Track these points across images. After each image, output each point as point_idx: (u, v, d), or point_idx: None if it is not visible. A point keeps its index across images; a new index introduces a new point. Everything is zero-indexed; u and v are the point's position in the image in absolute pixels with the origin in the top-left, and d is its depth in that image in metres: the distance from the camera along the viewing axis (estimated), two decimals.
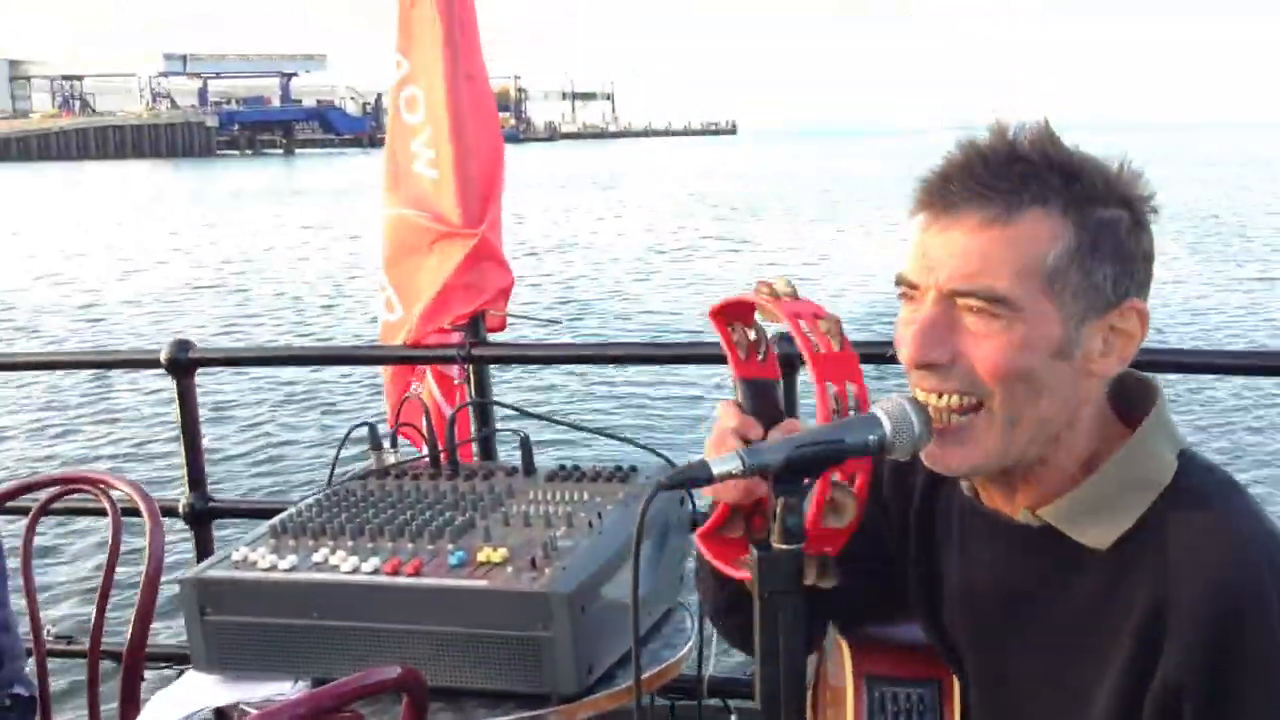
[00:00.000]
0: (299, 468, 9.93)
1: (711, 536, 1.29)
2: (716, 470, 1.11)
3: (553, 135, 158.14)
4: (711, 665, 2.40)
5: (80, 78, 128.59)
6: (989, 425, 1.21)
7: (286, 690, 1.82)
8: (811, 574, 1.12)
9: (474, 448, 2.59)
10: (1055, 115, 1.28)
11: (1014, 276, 1.17)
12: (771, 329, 1.33)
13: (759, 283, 1.25)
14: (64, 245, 29.75)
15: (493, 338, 2.70)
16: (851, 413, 1.19)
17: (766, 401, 1.31)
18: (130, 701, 2.42)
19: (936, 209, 1.21)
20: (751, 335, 1.33)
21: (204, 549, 2.91)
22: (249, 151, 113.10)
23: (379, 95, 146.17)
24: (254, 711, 1.78)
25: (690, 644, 2.02)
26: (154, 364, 2.84)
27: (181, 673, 3.00)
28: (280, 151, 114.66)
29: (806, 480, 1.13)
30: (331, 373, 12.45)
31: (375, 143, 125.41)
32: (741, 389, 1.31)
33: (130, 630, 2.41)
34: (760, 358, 1.32)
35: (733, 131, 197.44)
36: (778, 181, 56.16)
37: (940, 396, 1.21)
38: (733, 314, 1.32)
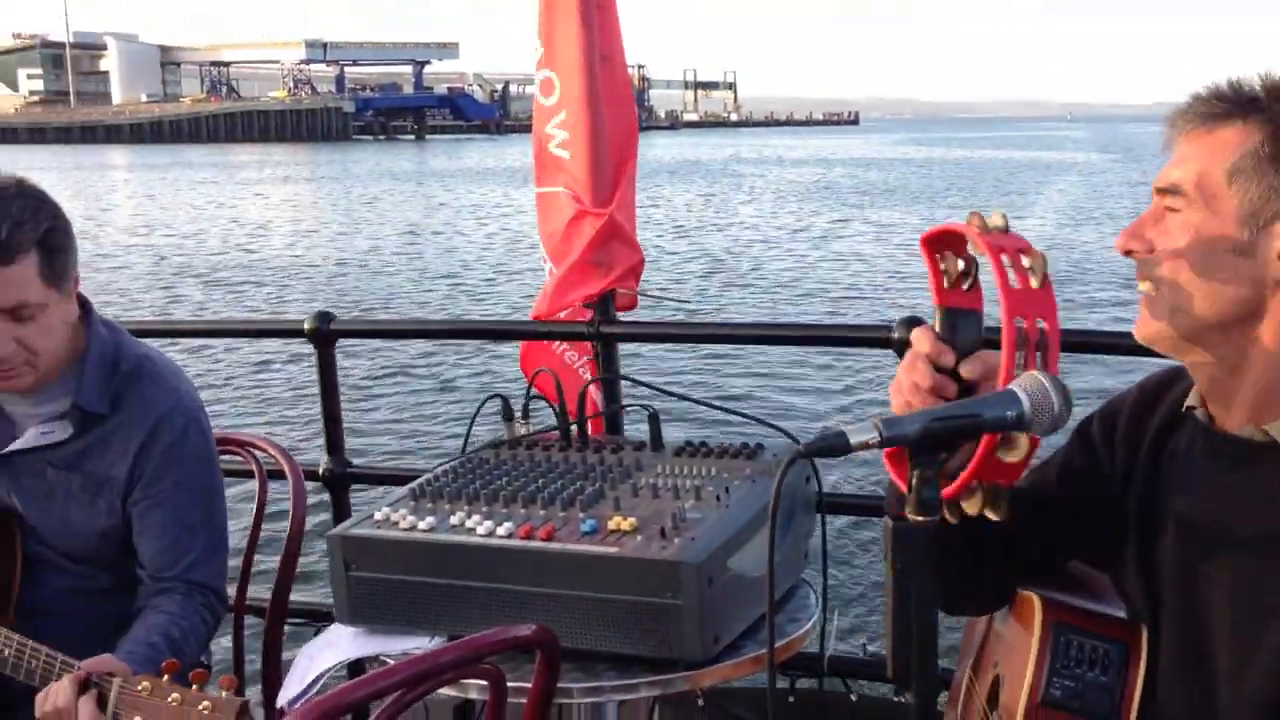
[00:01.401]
0: (431, 437, 10.22)
1: (897, 456, 1.31)
2: (854, 440, 1.14)
3: (674, 124, 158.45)
4: (831, 644, 2.43)
5: (227, 64, 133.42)
6: (1160, 306, 1.35)
7: (423, 645, 1.90)
8: (976, 503, 1.14)
9: (602, 422, 2.65)
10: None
11: (1198, 173, 1.32)
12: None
13: (971, 214, 1.28)
14: (229, 218, 31.44)
15: (622, 316, 2.76)
16: (1038, 354, 1.23)
17: (965, 331, 1.34)
18: (272, 653, 2.53)
19: (1172, 130, 1.38)
20: (960, 265, 1.34)
21: (340, 512, 3.02)
22: (381, 137, 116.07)
23: (506, 83, 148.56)
24: (392, 662, 1.86)
25: (813, 620, 2.05)
26: (298, 334, 2.96)
27: (317, 630, 3.15)
28: (412, 137, 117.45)
29: (943, 455, 1.14)
30: (467, 346, 12.82)
31: (501, 129, 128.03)
32: (940, 317, 1.34)
33: (273, 586, 2.53)
34: (965, 288, 1.35)
35: (855, 122, 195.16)
36: (907, 169, 55.55)
37: (1141, 283, 1.38)
38: (944, 243, 1.34)
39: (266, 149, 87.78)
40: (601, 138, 2.66)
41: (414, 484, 2.10)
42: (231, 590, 2.53)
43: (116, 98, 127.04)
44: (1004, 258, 1.23)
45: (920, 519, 1.13)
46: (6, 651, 1.90)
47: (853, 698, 2.78)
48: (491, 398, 2.36)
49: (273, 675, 2.52)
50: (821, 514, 2.16)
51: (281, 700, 1.92)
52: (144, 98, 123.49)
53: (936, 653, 1.20)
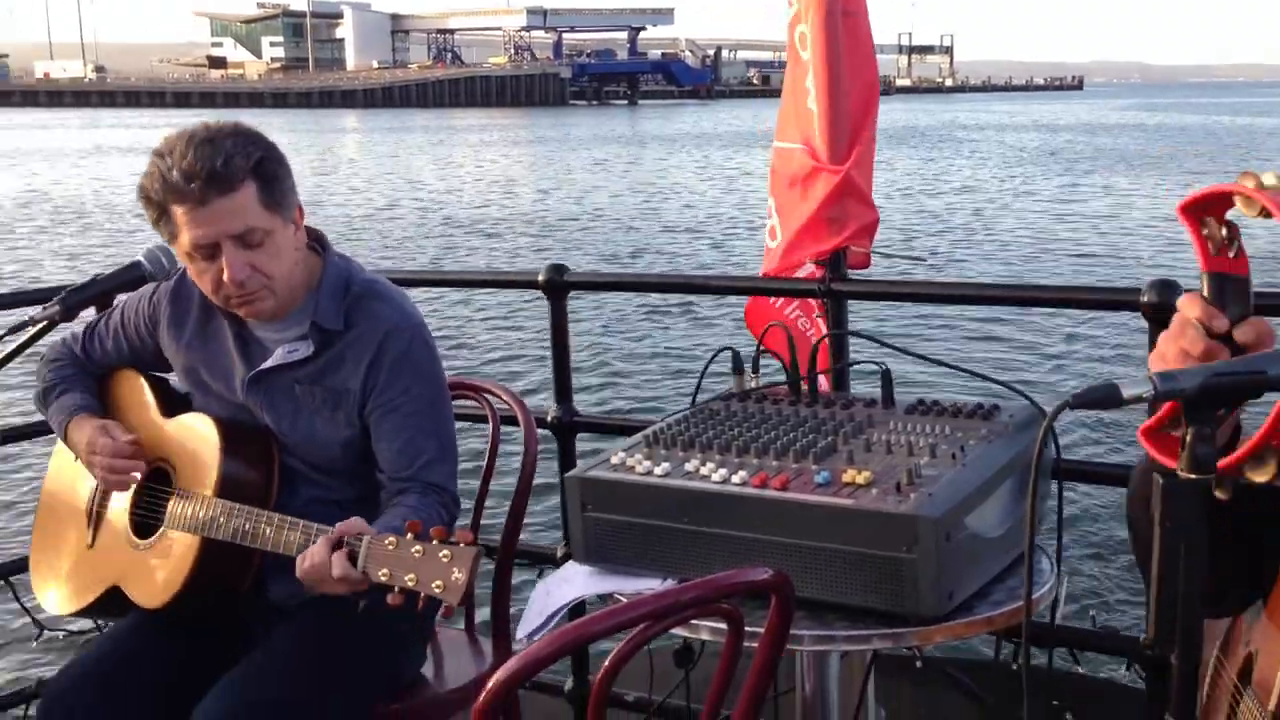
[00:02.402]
0: (656, 388, 10.43)
1: (1154, 434, 1.28)
2: (1126, 393, 1.11)
3: (888, 89, 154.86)
4: (1060, 613, 2.36)
5: (452, 31, 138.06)
6: None
7: (655, 586, 1.94)
8: (1270, 470, 1.10)
9: (829, 379, 2.64)
10: None
11: None
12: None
13: (1243, 174, 1.23)
14: (465, 175, 33.07)
15: (853, 274, 2.74)
16: None
17: (1235, 297, 1.29)
18: (502, 590, 2.65)
19: None
20: (1223, 231, 1.30)
21: (567, 458, 3.11)
22: (594, 102, 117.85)
23: (718, 48, 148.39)
24: (625, 600, 1.92)
25: (1046, 587, 2.00)
26: (532, 285, 3.05)
27: (541, 571, 3.27)
28: (624, 102, 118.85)
29: (1221, 411, 1.10)
30: (693, 301, 13.01)
31: (712, 95, 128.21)
32: (1209, 283, 1.30)
33: (504, 527, 2.63)
34: (1231, 254, 1.30)
35: (1079, 87, 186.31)
36: (1139, 135, 53.00)
37: None
38: (1205, 208, 1.30)
39: (487, 113, 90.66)
40: (840, 93, 2.64)
41: (648, 431, 2.15)
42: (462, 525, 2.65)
43: (350, 64, 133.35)
44: None
45: (1193, 476, 1.09)
46: (268, 529, 2.08)
47: (1080, 670, 2.71)
48: (722, 350, 2.38)
49: (502, 610, 2.63)
50: (1059, 479, 2.10)
51: (521, 632, 2.01)
52: (375, 64, 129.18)
53: (1201, 615, 1.17)
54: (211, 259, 2.10)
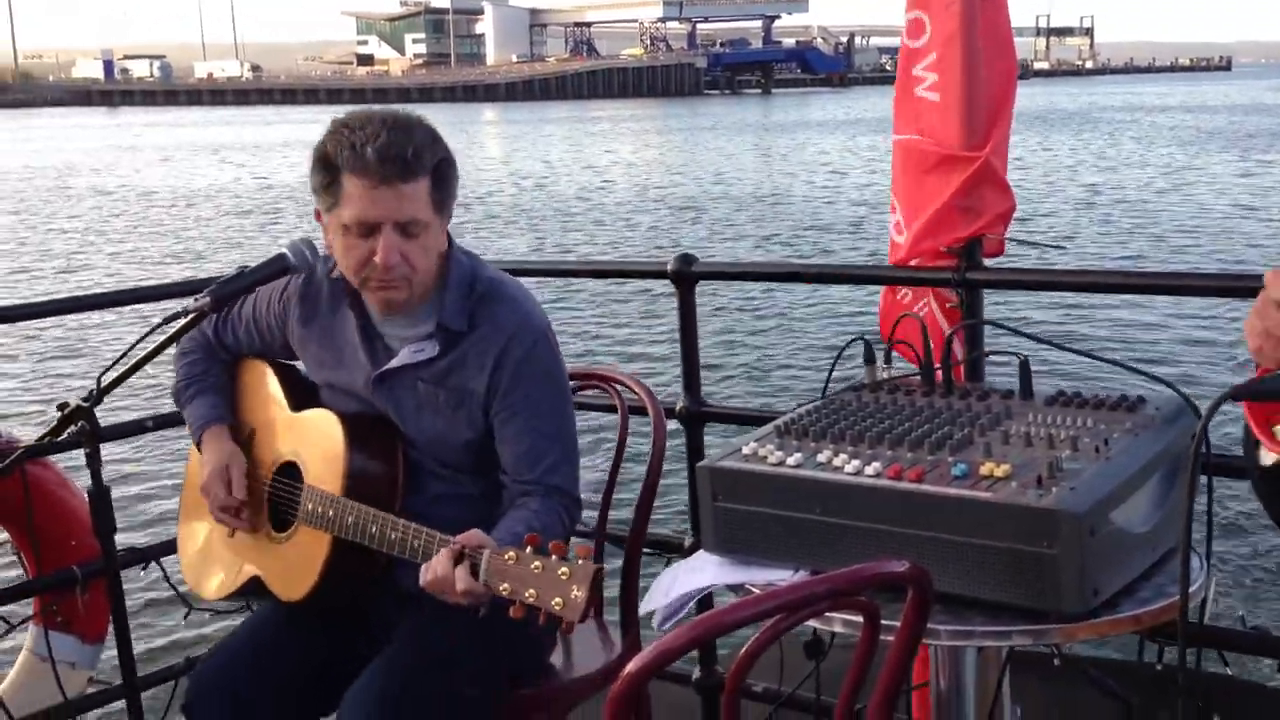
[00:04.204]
0: (785, 378, 10.38)
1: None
2: None
3: (1025, 72, 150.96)
4: (1208, 612, 2.27)
5: (589, 24, 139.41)
6: None
7: (786, 577, 1.93)
8: None
9: (963, 371, 2.58)
10: None
11: None
12: None
13: None
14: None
15: (989, 262, 2.67)
16: None
17: None
18: (631, 582, 2.65)
19: None
20: None
21: (694, 449, 3.11)
22: (727, 91, 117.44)
23: (851, 35, 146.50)
24: (757, 591, 1.91)
25: (1197, 585, 1.92)
26: (660, 275, 3.05)
27: (668, 560, 3.27)
28: (758, 91, 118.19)
29: None
30: (823, 291, 12.90)
31: (845, 82, 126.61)
32: None
33: (633, 518, 2.64)
34: None
35: (1226, 67, 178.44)
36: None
37: None
38: None
39: (623, 104, 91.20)
40: (977, 79, 2.56)
41: (778, 421, 2.13)
42: (592, 522, 2.67)
43: (490, 59, 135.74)
44: None
45: None
46: (394, 534, 2.12)
47: (1229, 671, 2.60)
48: (855, 340, 2.35)
49: (631, 600, 2.64)
50: (1209, 475, 2.02)
51: (644, 610, 2.01)
52: (514, 58, 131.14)
53: None
54: (366, 237, 2.14)
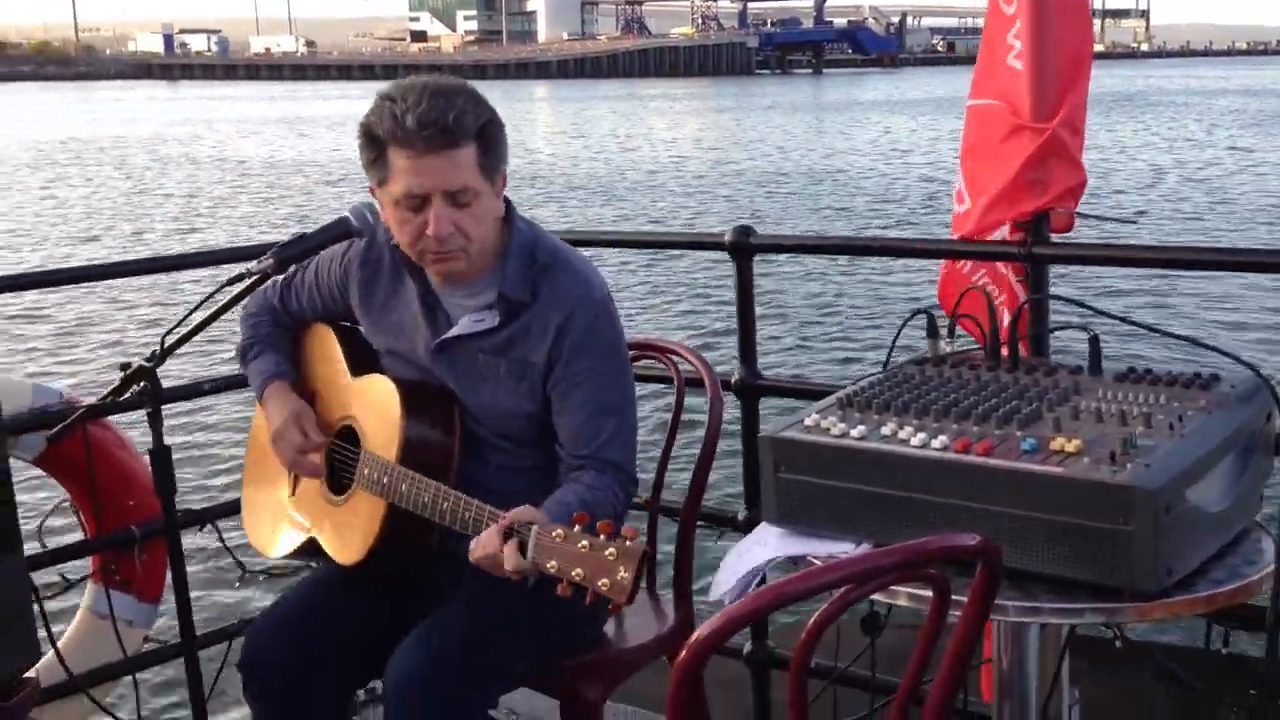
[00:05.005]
0: (843, 351, 10.30)
1: None
2: None
3: None
4: None
5: (640, 2, 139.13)
6: None
7: (849, 549, 1.90)
8: None
9: (1028, 346, 2.54)
10: None
11: None
12: None
13: None
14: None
15: (1056, 238, 2.61)
16: None
17: None
18: (685, 553, 2.64)
19: None
20: None
21: (750, 421, 3.08)
22: (778, 71, 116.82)
23: (903, 15, 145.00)
24: (820, 564, 1.89)
25: (1266, 570, 1.87)
26: (719, 246, 3.02)
27: (720, 534, 3.26)
28: (809, 71, 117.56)
29: None
30: (883, 265, 12.76)
31: (896, 63, 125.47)
32: None
33: (688, 490, 2.62)
34: None
35: None
36: None
37: None
38: None
39: (673, 83, 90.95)
40: (1047, 48, 2.50)
41: (840, 393, 2.10)
42: (647, 493, 2.66)
43: (541, 36, 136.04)
44: None
45: None
46: (445, 505, 2.11)
47: None
48: (917, 314, 2.31)
49: (684, 571, 2.63)
50: None
51: (713, 594, 1.99)
52: (565, 36, 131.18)
53: None
54: (417, 210, 2.12)
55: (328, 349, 2.47)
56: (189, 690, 2.64)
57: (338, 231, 2.23)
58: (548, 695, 2.47)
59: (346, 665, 2.29)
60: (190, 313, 2.26)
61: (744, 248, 2.98)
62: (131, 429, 3.64)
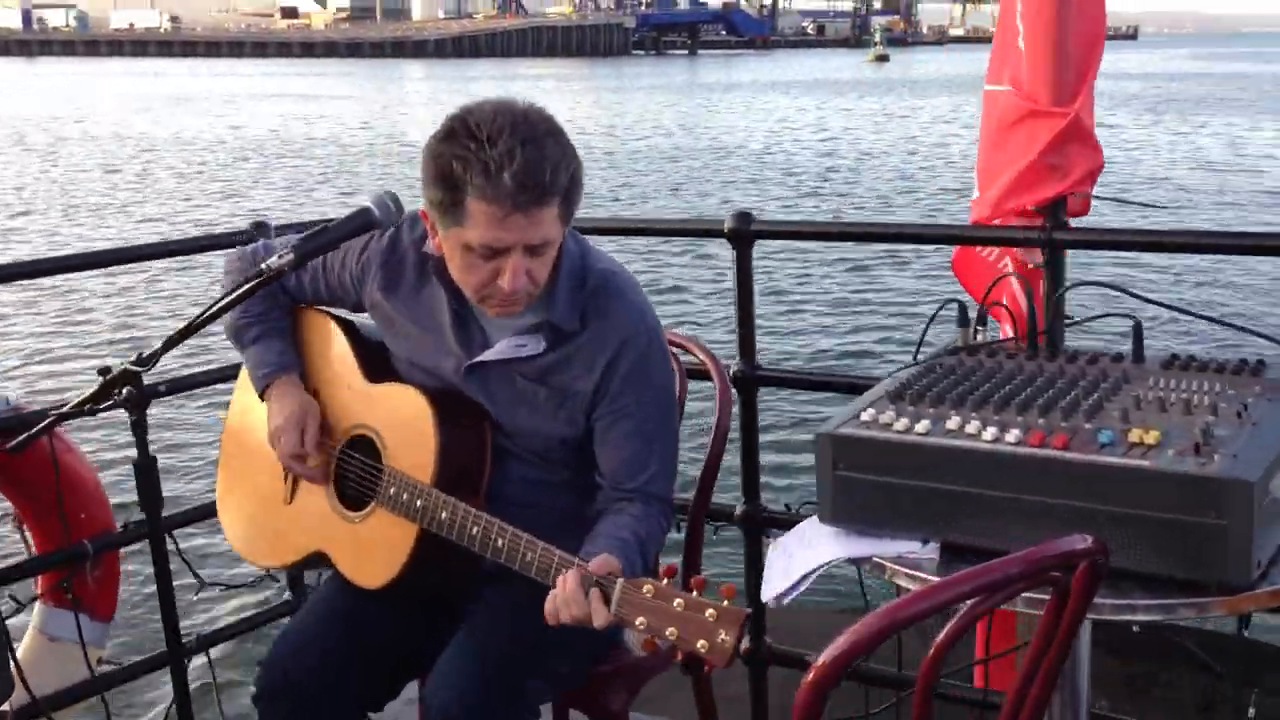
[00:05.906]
0: (845, 341, 10.21)
1: None
2: None
3: (941, 39, 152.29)
4: None
5: None
6: None
7: (916, 549, 1.85)
8: None
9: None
10: None
11: None
12: None
13: None
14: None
15: (1074, 222, 2.60)
16: None
17: None
18: (694, 553, 2.57)
19: None
20: None
21: (749, 414, 3.02)
22: (653, 52, 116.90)
23: None
24: (890, 565, 1.83)
25: None
26: (717, 233, 2.94)
27: (717, 529, 3.18)
28: (684, 52, 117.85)
29: None
30: (884, 251, 12.69)
31: (769, 45, 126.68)
32: None
33: (697, 486, 2.54)
34: None
35: (1133, 37, 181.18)
36: (1217, 83, 51.92)
37: None
38: None
39: (550, 63, 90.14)
40: (1066, 30, 2.49)
41: (887, 386, 2.05)
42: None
43: (416, 14, 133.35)
44: None
45: None
46: (475, 529, 2.00)
47: None
48: (949, 302, 2.27)
49: (692, 569, 2.55)
50: None
51: (766, 596, 1.92)
52: (441, 14, 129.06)
53: None
54: (490, 259, 1.97)
55: (335, 347, 2.30)
56: (176, 705, 2.48)
57: (360, 223, 2.07)
58: (574, 708, 2.39)
59: (370, 680, 2.17)
60: (199, 316, 2.08)
61: (744, 234, 2.90)
62: (79, 433, 3.41)
